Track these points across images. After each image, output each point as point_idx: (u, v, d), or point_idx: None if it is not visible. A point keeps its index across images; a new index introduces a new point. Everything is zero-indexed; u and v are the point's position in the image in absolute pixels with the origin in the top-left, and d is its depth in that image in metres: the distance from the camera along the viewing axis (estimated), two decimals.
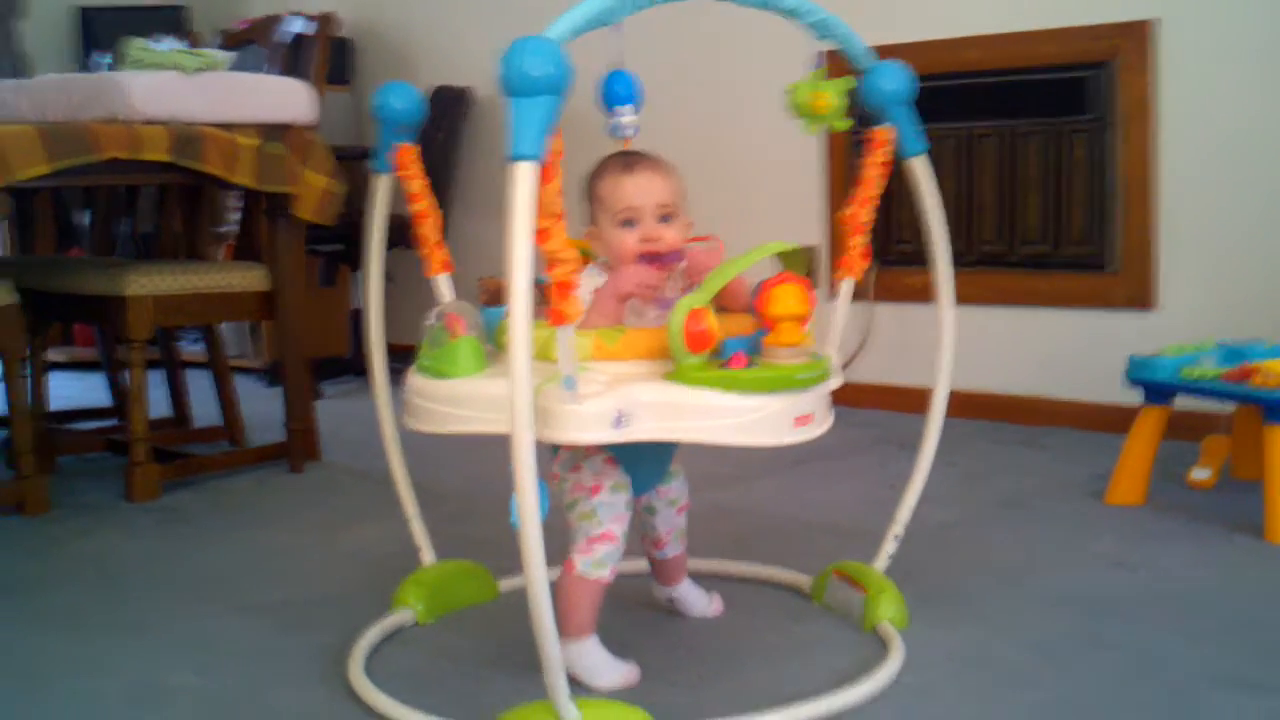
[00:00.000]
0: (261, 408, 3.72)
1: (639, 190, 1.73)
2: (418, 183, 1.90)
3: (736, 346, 1.59)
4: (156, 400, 3.66)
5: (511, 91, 1.36)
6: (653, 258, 1.72)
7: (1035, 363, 3.56)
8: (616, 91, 1.71)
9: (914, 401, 2.03)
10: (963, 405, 3.39)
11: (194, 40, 3.72)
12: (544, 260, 1.45)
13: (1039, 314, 3.56)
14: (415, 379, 1.71)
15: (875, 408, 3.66)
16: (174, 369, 3.59)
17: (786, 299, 1.57)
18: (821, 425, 1.65)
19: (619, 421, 1.52)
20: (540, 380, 1.53)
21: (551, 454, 1.78)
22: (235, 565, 2.40)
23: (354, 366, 4.56)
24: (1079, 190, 3.45)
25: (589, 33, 1.45)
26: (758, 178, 4.01)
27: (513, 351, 1.36)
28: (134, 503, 2.86)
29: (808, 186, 3.92)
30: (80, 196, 3.95)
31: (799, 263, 1.71)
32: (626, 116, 1.68)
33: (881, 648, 1.84)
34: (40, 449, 3.04)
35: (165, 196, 3.49)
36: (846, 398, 3.66)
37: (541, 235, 1.42)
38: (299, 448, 3.17)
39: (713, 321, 1.55)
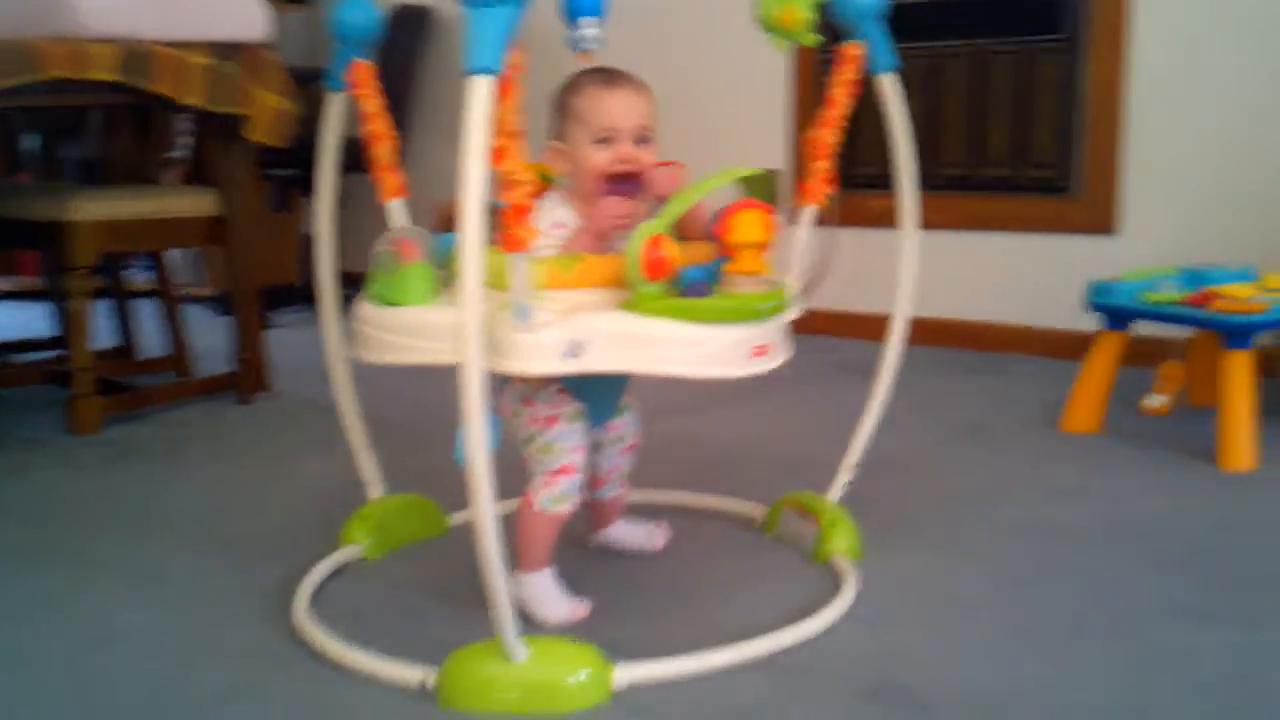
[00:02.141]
0: (211, 338, 3.64)
1: (621, 109, 1.67)
2: (373, 102, 1.84)
3: (695, 275, 1.55)
4: (103, 330, 3.60)
5: (470, 1, 1.31)
6: (623, 180, 1.67)
7: (995, 288, 3.55)
8: (581, 2, 1.64)
9: (873, 328, 2.00)
10: (921, 332, 3.34)
11: None
12: (499, 182, 1.40)
13: (1000, 238, 3.55)
14: (364, 307, 1.67)
15: (834, 334, 3.64)
16: (120, 298, 3.51)
17: (747, 226, 1.54)
18: (780, 356, 1.62)
19: (572, 351, 1.48)
20: (492, 309, 1.50)
21: (501, 386, 1.74)
22: (182, 500, 2.36)
23: (305, 295, 4.48)
24: (1045, 112, 3.42)
25: None
26: (721, 97, 3.95)
27: (463, 278, 1.32)
28: (77, 436, 2.80)
29: (773, 106, 3.87)
30: (26, 119, 3.84)
31: (762, 188, 1.67)
32: (590, 29, 1.62)
33: (835, 580, 1.82)
34: None
35: (114, 119, 3.39)
36: (804, 325, 3.66)
37: (497, 155, 1.37)
38: (248, 378, 3.12)
39: (671, 248, 1.51)
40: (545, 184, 1.82)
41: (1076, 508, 2.17)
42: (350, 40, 1.83)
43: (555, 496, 1.70)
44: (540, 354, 1.47)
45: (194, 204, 3.01)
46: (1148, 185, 3.28)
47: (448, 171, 1.33)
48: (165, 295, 3.41)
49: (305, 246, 4.55)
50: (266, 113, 2.94)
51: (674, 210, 1.54)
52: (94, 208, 2.80)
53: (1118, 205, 3.32)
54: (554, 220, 1.69)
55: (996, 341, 3.53)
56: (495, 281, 1.52)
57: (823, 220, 1.91)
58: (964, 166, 3.58)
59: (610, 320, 1.51)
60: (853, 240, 3.69)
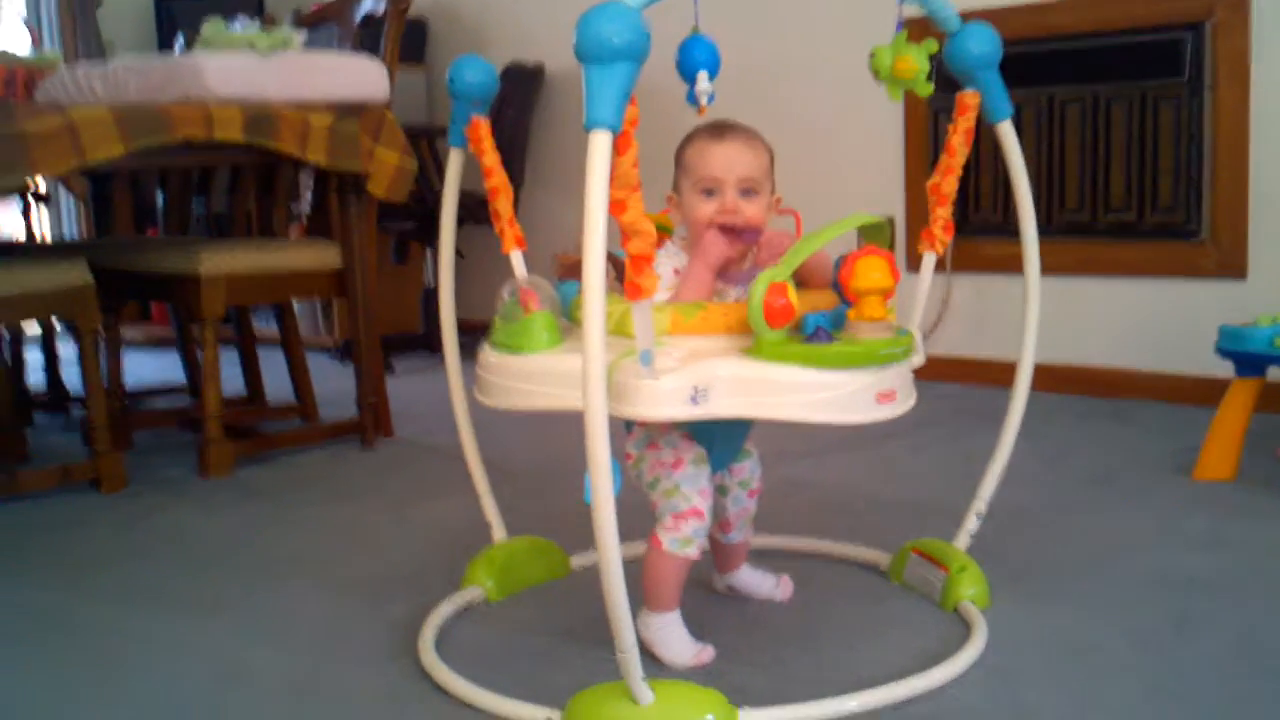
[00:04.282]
0: (333, 385, 3.73)
1: (724, 160, 1.69)
2: (490, 157, 1.88)
3: (818, 321, 1.54)
4: (230, 378, 3.68)
5: (588, 59, 1.33)
6: (728, 231, 1.68)
7: (1121, 334, 3.47)
8: (694, 57, 1.66)
9: (992, 374, 1.97)
10: (1045, 378, 3.30)
11: (268, 21, 3.72)
12: (620, 233, 1.41)
13: (1125, 284, 3.47)
14: (488, 354, 1.69)
15: (952, 380, 3.60)
16: (247, 346, 3.60)
17: (871, 272, 1.53)
18: (905, 403, 1.60)
19: (696, 397, 1.48)
20: (616, 355, 1.50)
21: (625, 432, 1.75)
22: (309, 541, 2.40)
23: (426, 343, 4.57)
24: (1167, 156, 3.35)
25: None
26: (836, 146, 3.95)
27: (586, 325, 1.33)
28: (208, 478, 2.87)
29: (887, 155, 3.85)
30: (155, 177, 3.97)
31: (880, 235, 1.67)
32: (703, 84, 1.63)
33: (964, 628, 1.79)
34: (116, 426, 3.08)
35: (239, 176, 3.50)
36: (923, 371, 3.64)
37: (618, 206, 1.38)
38: (371, 423, 3.18)
39: (793, 295, 1.50)
40: (665, 234, 1.84)
41: (1213, 559, 2.10)
42: (468, 98, 1.87)
43: (682, 539, 1.70)
44: (664, 399, 1.47)
45: (317, 257, 3.09)
46: (1276, 227, 3.19)
47: (561, 222, 1.36)
48: (289, 343, 3.49)
49: (425, 297, 4.63)
50: (386, 170, 3.02)
51: (796, 257, 1.54)
52: (222, 261, 2.88)
53: (1246, 248, 3.23)
54: (672, 266, 1.70)
55: (1123, 388, 3.45)
56: (617, 329, 1.54)
57: (938, 266, 1.89)
58: (1084, 211, 3.52)
59: (733, 366, 1.51)
60: (970, 285, 3.71)
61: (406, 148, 3.08)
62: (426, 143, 4.63)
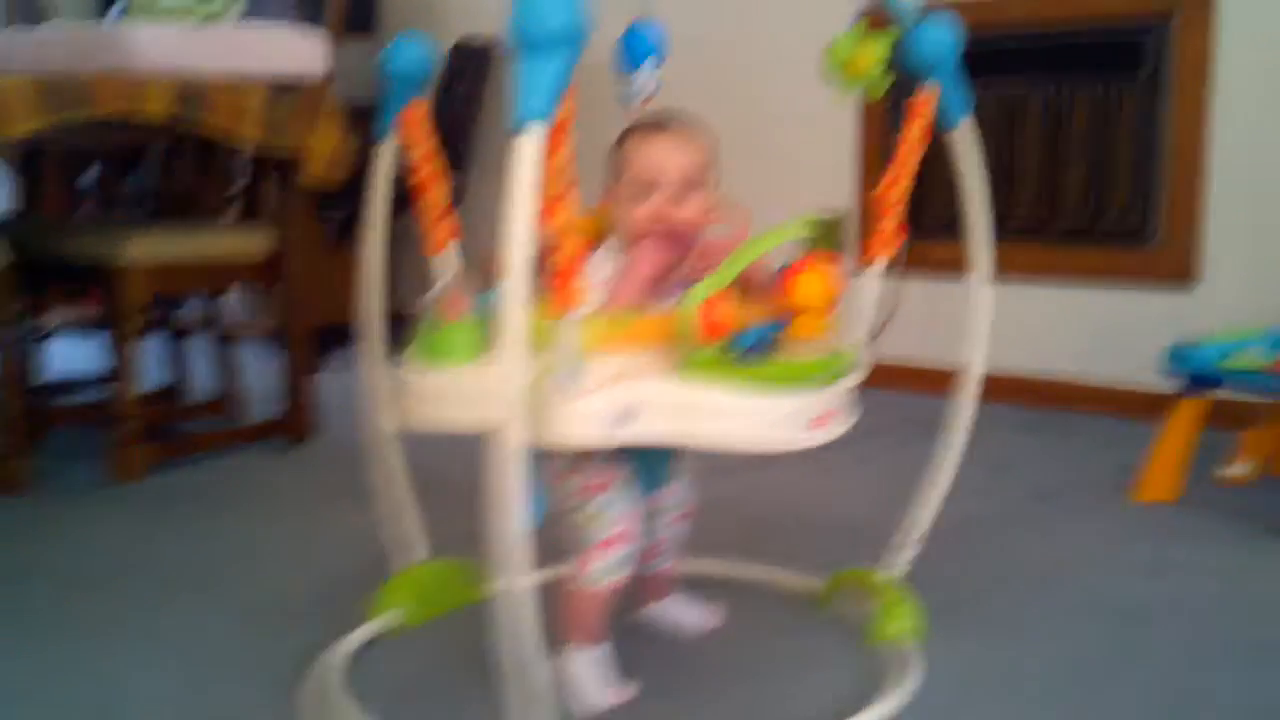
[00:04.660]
0: (267, 379, 3.57)
1: (659, 158, 1.60)
2: (422, 148, 1.77)
3: (753, 338, 1.46)
4: (156, 369, 3.56)
5: (522, 45, 1.24)
6: (664, 235, 1.59)
7: (1069, 343, 3.42)
8: (640, 44, 1.56)
9: (940, 382, 1.90)
10: (991, 388, 3.24)
11: None
12: (548, 239, 1.32)
13: (1077, 290, 3.41)
14: (405, 368, 1.59)
15: (900, 388, 3.53)
16: (174, 335, 3.47)
17: (809, 288, 1.45)
18: (842, 425, 1.52)
19: (621, 420, 1.39)
20: (536, 372, 1.42)
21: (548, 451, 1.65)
22: (219, 555, 2.28)
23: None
24: (1124, 157, 3.30)
25: None
26: (788, 144, 3.86)
27: (505, 340, 1.24)
28: (120, 483, 2.74)
29: (840, 155, 3.77)
30: (89, 151, 3.81)
31: (831, 236, 1.57)
32: (645, 72, 1.53)
33: (898, 663, 1.71)
34: (29, 423, 2.93)
35: (175, 152, 3.35)
36: (869, 378, 3.58)
37: (547, 209, 1.29)
38: (296, 424, 3.06)
39: (729, 309, 1.42)
40: (598, 236, 1.75)
41: (1152, 586, 2.05)
42: (402, 81, 1.76)
43: (606, 568, 1.61)
44: (587, 422, 1.38)
45: (248, 243, 2.97)
46: (1232, 234, 3.14)
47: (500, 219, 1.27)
48: (218, 335, 3.36)
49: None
50: (324, 150, 2.89)
51: (734, 267, 1.46)
52: (146, 249, 2.75)
53: (1200, 255, 3.18)
54: (605, 275, 1.61)
55: (1069, 399, 3.39)
56: (540, 342, 1.44)
57: (891, 268, 1.81)
58: (1038, 213, 3.46)
59: (662, 385, 1.42)
60: (919, 289, 3.62)
61: (346, 127, 2.95)
62: (371, 121, 4.48)
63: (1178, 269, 3.21)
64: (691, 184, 1.61)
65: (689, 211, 1.60)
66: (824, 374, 1.46)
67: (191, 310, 3.60)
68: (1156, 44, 3.20)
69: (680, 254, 1.62)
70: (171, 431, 3.05)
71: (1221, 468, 2.62)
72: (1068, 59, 3.36)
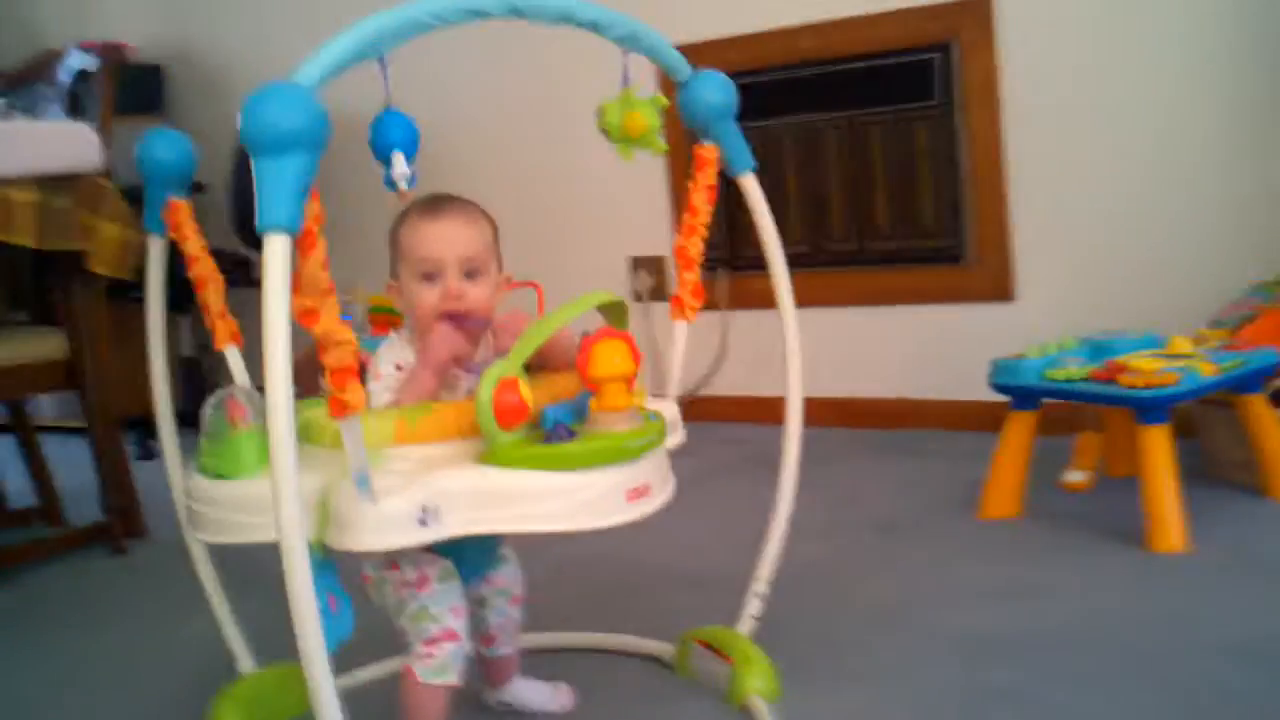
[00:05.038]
0: (91, 474, 3.39)
1: (441, 240, 1.52)
2: (193, 243, 1.68)
3: (557, 415, 1.39)
4: None
5: (255, 150, 1.15)
6: (455, 319, 1.51)
7: (899, 363, 3.42)
8: (389, 136, 1.49)
9: (777, 412, 1.86)
10: (829, 412, 3.26)
11: None
12: (317, 345, 1.23)
13: (897, 312, 3.42)
14: (194, 479, 1.48)
15: (739, 420, 3.50)
16: None
17: (610, 357, 1.37)
18: (659, 496, 1.45)
19: (425, 518, 1.31)
20: (334, 476, 1.33)
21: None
22: (41, 681, 2.13)
23: (189, 419, 4.25)
24: (926, 180, 3.31)
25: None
26: (597, 194, 3.82)
27: (273, 456, 1.14)
28: None
29: (656, 204, 3.73)
30: None
31: (617, 316, 1.52)
32: (400, 167, 1.46)
33: None
34: None
35: None
36: (709, 413, 3.56)
37: (307, 317, 1.21)
38: (119, 527, 2.89)
39: (525, 391, 1.34)
40: (391, 320, 1.67)
41: (1002, 611, 2.02)
42: (161, 179, 1.67)
43: (436, 668, 1.51)
44: (388, 526, 1.30)
45: (39, 347, 2.80)
46: (1040, 248, 3.17)
47: None
48: (25, 440, 3.17)
49: (184, 369, 4.33)
50: (109, 245, 2.74)
51: (525, 348, 1.38)
52: None
53: (1012, 271, 3.21)
54: (395, 361, 1.53)
55: (907, 418, 3.39)
56: (336, 442, 1.35)
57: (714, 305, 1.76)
58: (850, 241, 3.46)
59: (465, 477, 1.34)
60: (748, 321, 3.62)
61: (130, 217, 2.80)
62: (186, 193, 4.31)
63: (992, 287, 3.24)
64: (478, 264, 1.54)
65: (476, 294, 1.53)
66: (635, 445, 1.39)
67: None
68: (944, 69, 3.23)
69: (473, 338, 1.55)
70: None
71: (1063, 475, 2.62)
72: (862, 88, 3.37)
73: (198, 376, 4.34)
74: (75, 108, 3.30)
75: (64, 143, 2.75)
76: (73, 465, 3.19)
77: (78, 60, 3.14)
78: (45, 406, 4.71)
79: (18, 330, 2.90)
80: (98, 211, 2.74)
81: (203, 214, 1.79)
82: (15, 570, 2.78)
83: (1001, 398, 2.52)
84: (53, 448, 3.28)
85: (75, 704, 2.03)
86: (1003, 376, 2.45)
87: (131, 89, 4.05)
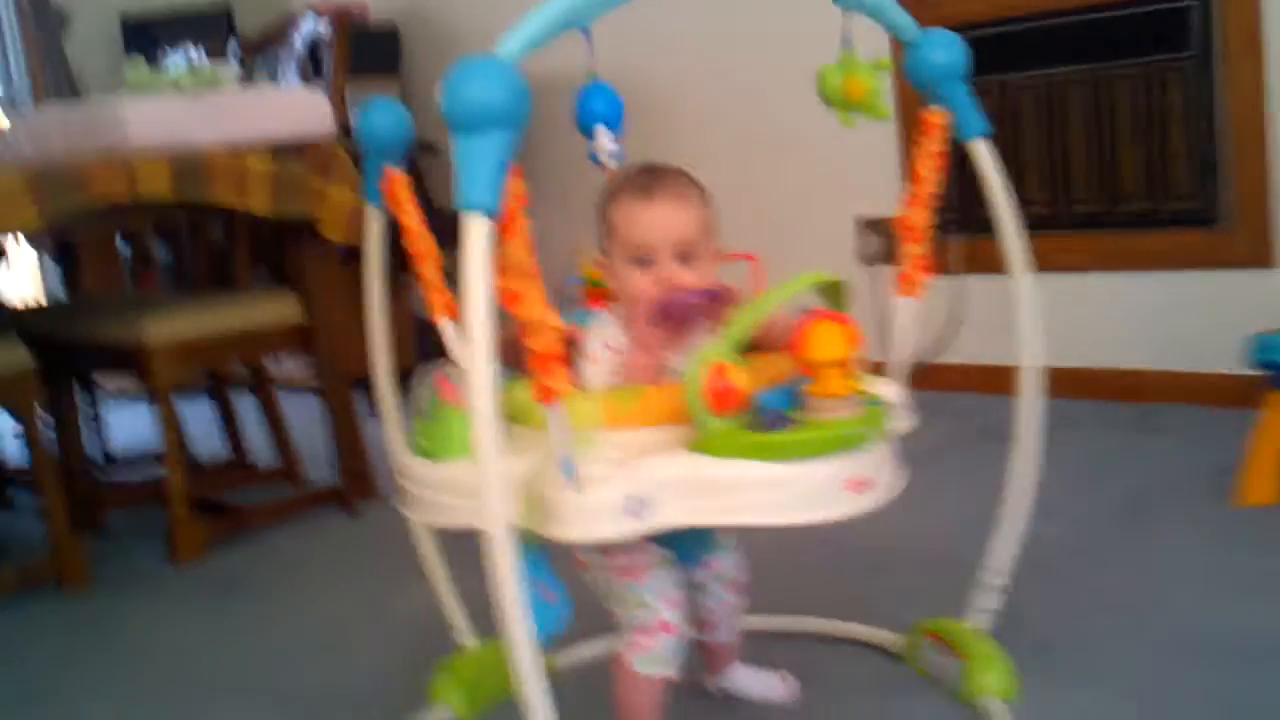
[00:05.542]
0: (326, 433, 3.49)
1: (656, 225, 1.45)
2: (410, 216, 1.65)
3: (771, 402, 1.31)
4: (211, 432, 3.48)
5: (455, 128, 1.10)
6: (665, 312, 1.44)
7: (1143, 332, 3.20)
8: (592, 110, 1.43)
9: (1016, 382, 1.74)
10: (1067, 383, 3.04)
11: (215, 50, 3.49)
12: (522, 329, 1.19)
13: (1144, 278, 3.19)
14: (407, 459, 1.47)
15: (976, 390, 3.34)
16: (222, 401, 3.39)
17: (825, 341, 1.29)
18: (884, 487, 1.36)
19: (634, 509, 1.26)
20: (543, 462, 1.28)
21: None
22: (271, 645, 2.19)
23: None
24: (1179, 138, 3.07)
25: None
26: (821, 148, 3.68)
27: (476, 445, 1.11)
28: (178, 566, 2.66)
29: (883, 166, 3.58)
30: (149, 223, 3.75)
31: (835, 297, 1.43)
32: (603, 141, 1.40)
33: None
34: (83, 509, 2.89)
35: (234, 217, 3.25)
36: (944, 383, 3.40)
37: (512, 299, 1.16)
38: (352, 490, 2.96)
39: (738, 376, 1.27)
40: (603, 294, 1.61)
41: (1264, 611, 1.85)
42: (379, 150, 1.65)
43: (650, 658, 1.47)
44: (595, 516, 1.25)
45: (276, 311, 2.87)
46: None
47: (547, 263, 1.14)
48: (266, 402, 3.27)
49: (419, 328, 4.41)
50: (341, 211, 2.78)
51: (738, 330, 1.31)
52: (170, 328, 2.67)
53: (1272, 235, 2.95)
54: (605, 341, 1.48)
55: (1151, 391, 3.17)
56: (545, 424, 1.30)
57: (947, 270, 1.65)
58: (1096, 202, 3.24)
59: (676, 466, 1.28)
60: (986, 287, 3.44)
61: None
62: (409, 161, 4.38)
63: (1251, 252, 2.99)
64: (690, 249, 1.46)
65: (692, 277, 1.46)
66: (854, 434, 1.31)
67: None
68: (1202, 16, 2.98)
69: (690, 320, 1.47)
70: (229, 506, 2.95)
71: None
72: (1110, 41, 3.14)
73: (432, 338, 4.43)
74: (313, 72, 3.35)
75: (296, 110, 2.79)
76: (311, 424, 3.26)
77: (311, 24, 3.19)
78: (286, 365, 4.89)
79: (256, 294, 2.98)
80: (329, 177, 2.78)
81: (436, 176, 1.76)
82: (258, 530, 2.88)
83: (1257, 373, 2.31)
84: (292, 406, 3.38)
85: (299, 666, 2.07)
86: (1265, 352, 2.25)
87: (366, 51, 4.10)
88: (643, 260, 1.45)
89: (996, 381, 3.28)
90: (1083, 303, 3.22)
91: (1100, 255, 3.24)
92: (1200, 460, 2.61)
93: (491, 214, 1.10)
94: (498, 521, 1.13)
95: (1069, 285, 3.20)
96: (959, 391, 3.32)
